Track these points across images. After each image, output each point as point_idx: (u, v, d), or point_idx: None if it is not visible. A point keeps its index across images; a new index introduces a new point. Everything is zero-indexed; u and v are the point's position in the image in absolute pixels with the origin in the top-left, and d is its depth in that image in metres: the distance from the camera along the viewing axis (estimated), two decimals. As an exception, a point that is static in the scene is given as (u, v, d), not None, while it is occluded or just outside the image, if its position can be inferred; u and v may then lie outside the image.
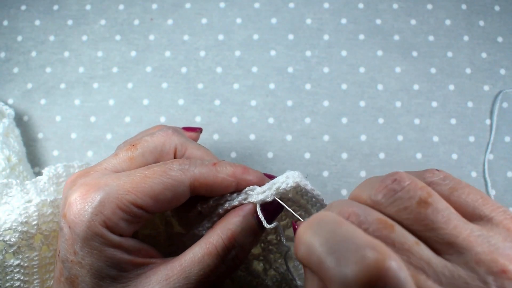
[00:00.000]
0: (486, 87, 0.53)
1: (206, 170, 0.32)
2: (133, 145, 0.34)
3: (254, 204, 0.33)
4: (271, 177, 0.35)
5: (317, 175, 0.50)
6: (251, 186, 0.34)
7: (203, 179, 0.32)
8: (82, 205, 0.29)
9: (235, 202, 0.34)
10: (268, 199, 0.33)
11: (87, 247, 0.29)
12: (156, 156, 0.34)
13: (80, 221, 0.29)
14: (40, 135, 0.52)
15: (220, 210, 0.34)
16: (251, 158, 0.51)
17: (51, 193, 0.38)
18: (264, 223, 0.33)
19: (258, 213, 0.33)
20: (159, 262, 0.32)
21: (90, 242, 0.29)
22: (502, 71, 0.53)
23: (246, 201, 0.34)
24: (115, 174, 0.31)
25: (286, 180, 0.33)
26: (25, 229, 0.35)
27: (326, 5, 0.56)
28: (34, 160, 0.51)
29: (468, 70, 0.53)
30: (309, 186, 0.34)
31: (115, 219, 0.29)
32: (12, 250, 0.35)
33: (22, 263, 0.35)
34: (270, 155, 0.51)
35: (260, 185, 0.34)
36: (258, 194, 0.33)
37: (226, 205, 0.34)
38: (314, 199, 0.35)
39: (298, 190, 0.34)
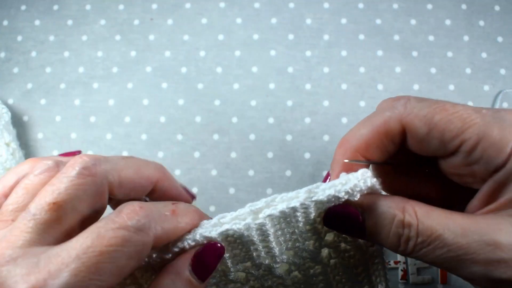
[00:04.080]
0: (486, 87, 0.52)
1: (168, 224, 0.28)
2: (57, 205, 0.27)
3: (189, 254, 0.29)
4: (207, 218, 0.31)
5: (317, 175, 0.50)
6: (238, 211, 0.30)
7: (165, 235, 0.28)
8: None
9: (192, 242, 0.29)
10: (341, 196, 0.28)
11: None
12: (93, 202, 0.28)
13: None
14: (40, 135, 0.52)
15: (176, 249, 0.29)
16: (251, 158, 0.51)
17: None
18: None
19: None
20: None
21: None
22: (502, 71, 0.53)
23: (207, 233, 0.29)
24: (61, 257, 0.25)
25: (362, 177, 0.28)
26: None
27: (326, 5, 0.56)
28: (34, 160, 0.51)
29: (468, 70, 0.53)
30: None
31: None
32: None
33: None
34: (270, 155, 0.51)
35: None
36: (322, 190, 0.28)
37: (185, 244, 0.29)
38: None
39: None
